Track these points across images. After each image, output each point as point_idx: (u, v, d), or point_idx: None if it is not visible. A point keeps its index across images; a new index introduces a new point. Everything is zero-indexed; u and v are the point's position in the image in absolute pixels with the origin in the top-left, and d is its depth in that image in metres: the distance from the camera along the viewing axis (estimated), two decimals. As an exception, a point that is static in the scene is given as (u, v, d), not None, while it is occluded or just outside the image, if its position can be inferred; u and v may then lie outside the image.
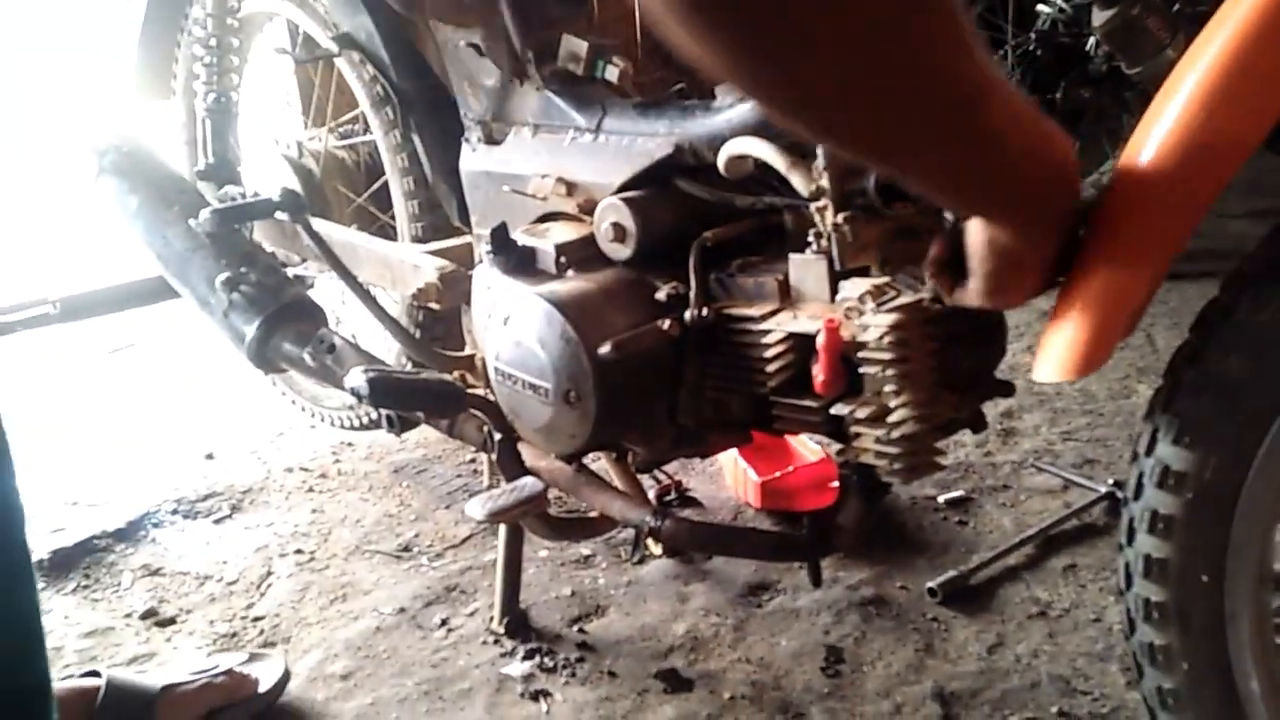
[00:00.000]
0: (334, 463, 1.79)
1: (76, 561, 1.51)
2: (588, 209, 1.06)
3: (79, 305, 1.60)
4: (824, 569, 1.37)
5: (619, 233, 0.99)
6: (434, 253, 1.32)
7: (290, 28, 1.59)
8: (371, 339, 1.52)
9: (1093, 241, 0.64)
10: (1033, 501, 1.54)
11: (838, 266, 0.87)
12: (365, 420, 1.63)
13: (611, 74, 1.13)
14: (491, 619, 1.31)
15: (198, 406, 2.04)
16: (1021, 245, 0.64)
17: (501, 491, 1.03)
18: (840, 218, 0.84)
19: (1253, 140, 0.59)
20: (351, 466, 1.77)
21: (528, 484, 1.03)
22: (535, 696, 1.19)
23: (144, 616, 1.38)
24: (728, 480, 1.61)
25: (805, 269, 0.90)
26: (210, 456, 1.83)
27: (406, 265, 1.31)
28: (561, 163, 1.11)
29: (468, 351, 1.29)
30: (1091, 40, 2.25)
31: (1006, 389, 0.92)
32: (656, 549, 1.44)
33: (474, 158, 1.22)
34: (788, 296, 0.92)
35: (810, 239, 0.89)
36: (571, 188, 1.09)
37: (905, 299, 0.83)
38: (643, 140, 1.05)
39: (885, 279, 0.85)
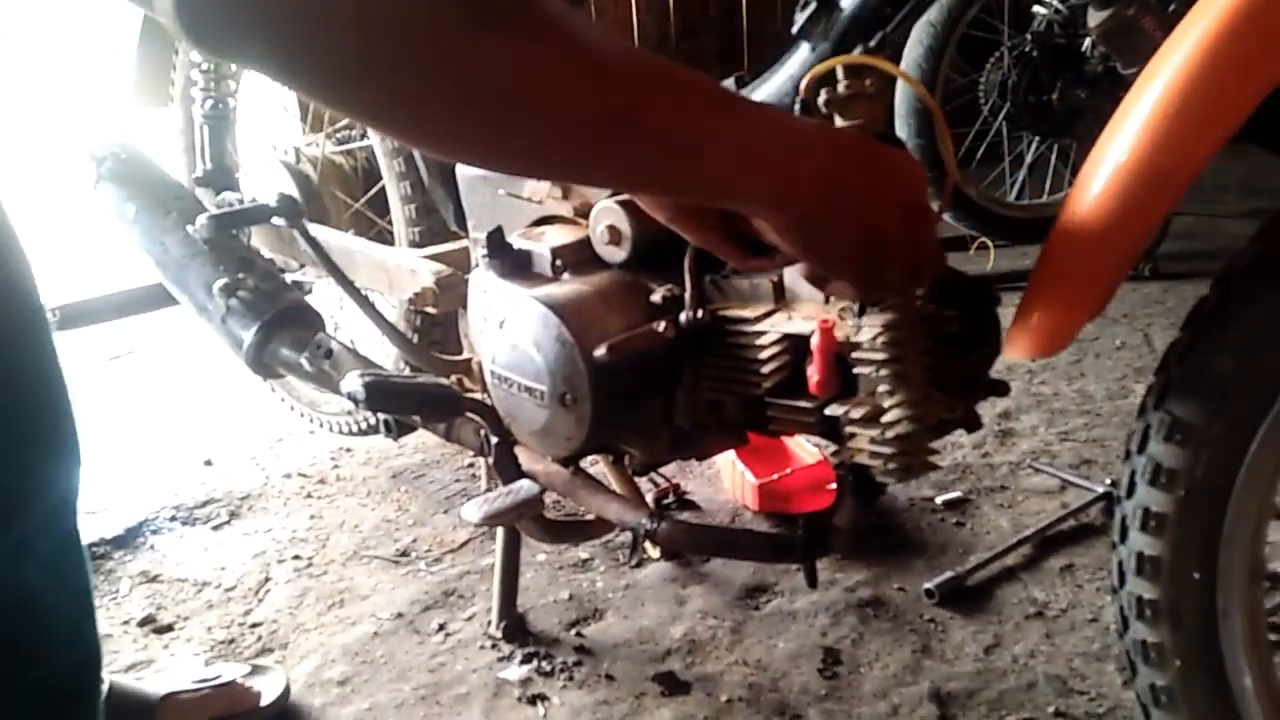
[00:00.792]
0: (332, 468, 1.79)
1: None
2: (583, 212, 1.06)
3: (78, 313, 1.61)
4: (821, 571, 1.38)
5: (614, 235, 0.99)
6: (431, 257, 1.32)
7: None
8: (370, 344, 1.53)
9: (1060, 228, 0.65)
10: (1030, 502, 1.54)
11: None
12: (363, 425, 1.63)
13: (605, 77, 1.13)
14: (489, 623, 1.31)
15: (196, 413, 2.04)
16: (798, 227, 0.65)
17: (497, 495, 1.03)
18: None
19: (1215, 141, 0.61)
20: (350, 472, 1.77)
21: (523, 487, 1.03)
22: (533, 700, 1.19)
23: (142, 623, 1.38)
24: (726, 483, 1.61)
25: (800, 269, 0.90)
26: (209, 463, 1.83)
27: (403, 270, 1.31)
28: (557, 166, 1.11)
29: (465, 356, 1.29)
30: (1087, 41, 2.26)
31: (1001, 389, 0.92)
32: (654, 552, 1.44)
33: (470, 162, 1.23)
34: (782, 298, 0.92)
35: None
36: (567, 191, 1.09)
37: (898, 299, 0.83)
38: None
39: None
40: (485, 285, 1.07)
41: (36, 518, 0.69)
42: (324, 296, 1.63)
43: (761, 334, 0.91)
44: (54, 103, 2.63)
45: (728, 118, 0.61)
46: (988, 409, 1.81)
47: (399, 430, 1.26)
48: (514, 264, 1.06)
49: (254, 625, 1.37)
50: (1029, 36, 2.37)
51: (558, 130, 0.55)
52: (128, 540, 1.59)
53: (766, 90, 0.97)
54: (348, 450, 1.84)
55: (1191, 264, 2.57)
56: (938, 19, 2.42)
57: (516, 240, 1.07)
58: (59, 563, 0.72)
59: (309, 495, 1.71)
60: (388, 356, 1.51)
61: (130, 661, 1.31)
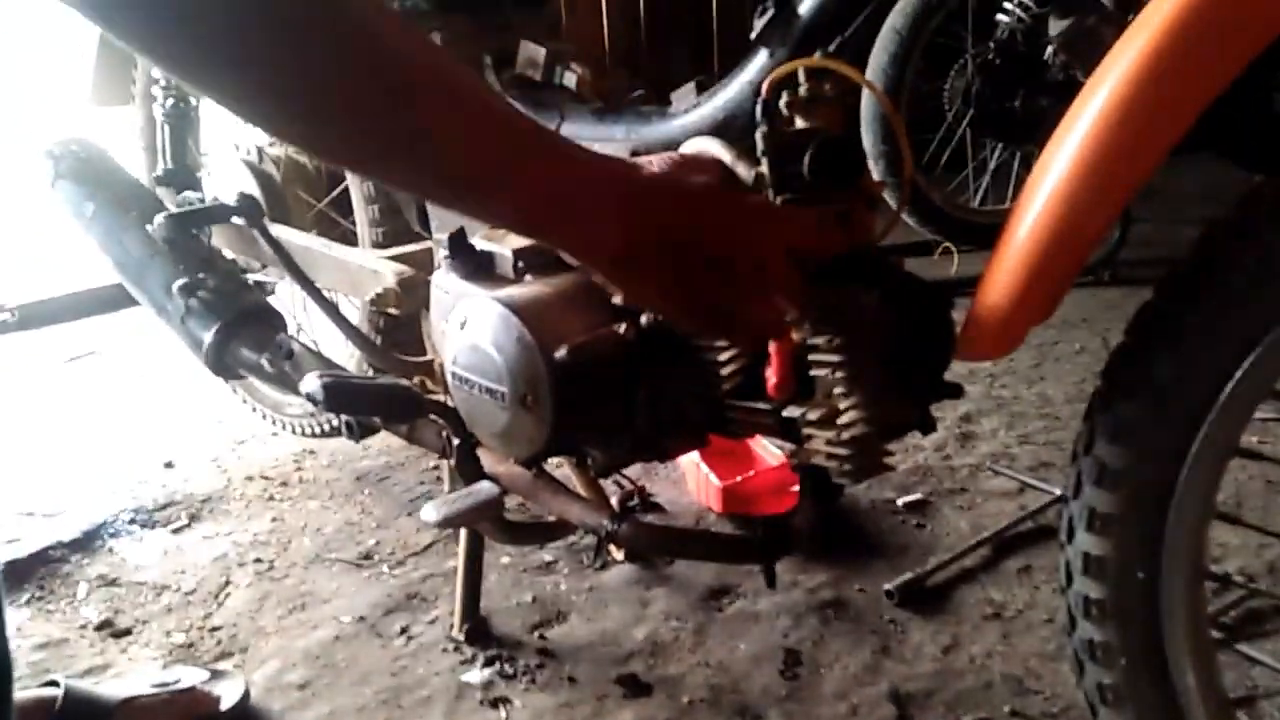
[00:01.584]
0: (295, 470, 1.78)
1: (31, 572, 1.49)
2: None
3: (37, 313, 1.59)
4: (784, 573, 1.39)
5: (575, 238, 1.00)
6: (394, 258, 1.32)
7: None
8: (334, 346, 1.52)
9: (1009, 232, 0.66)
10: (989, 504, 1.56)
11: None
12: (326, 427, 1.62)
13: (569, 80, 1.14)
14: (451, 626, 1.31)
15: (157, 415, 2.02)
16: (611, 274, 0.68)
17: (456, 496, 1.03)
18: (778, 200, 0.85)
19: (1161, 146, 0.62)
20: (313, 474, 1.76)
21: (483, 489, 1.03)
22: (495, 704, 1.19)
23: (99, 628, 1.36)
24: (690, 485, 1.61)
25: None
26: (170, 465, 1.81)
27: (366, 270, 1.31)
28: (519, 168, 1.11)
29: (427, 357, 1.28)
30: (1049, 49, 2.29)
31: (956, 391, 0.94)
32: (619, 554, 1.44)
33: (433, 163, 1.22)
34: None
35: None
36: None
37: (853, 304, 0.84)
38: (600, 145, 1.06)
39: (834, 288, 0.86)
40: (447, 286, 1.07)
41: None
42: (286, 297, 1.62)
43: (720, 337, 0.92)
44: (9, 101, 2.60)
45: (524, 155, 0.62)
46: (949, 412, 1.83)
47: (361, 432, 1.25)
48: (476, 265, 1.06)
49: (214, 629, 1.36)
50: (992, 45, 2.40)
51: (344, 119, 0.56)
52: (86, 543, 1.57)
53: (725, 95, 0.98)
54: (311, 453, 1.83)
55: (1151, 270, 2.61)
56: (903, 26, 2.44)
57: (479, 241, 1.07)
58: None
59: (271, 498, 1.69)
60: (351, 358, 1.50)
61: (87, 666, 1.29)
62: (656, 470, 1.66)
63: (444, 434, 1.14)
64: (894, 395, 0.85)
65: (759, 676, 1.21)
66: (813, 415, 0.85)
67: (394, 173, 0.62)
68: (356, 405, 1.06)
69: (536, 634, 1.31)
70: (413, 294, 1.24)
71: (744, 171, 0.87)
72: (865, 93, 2.22)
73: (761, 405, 0.90)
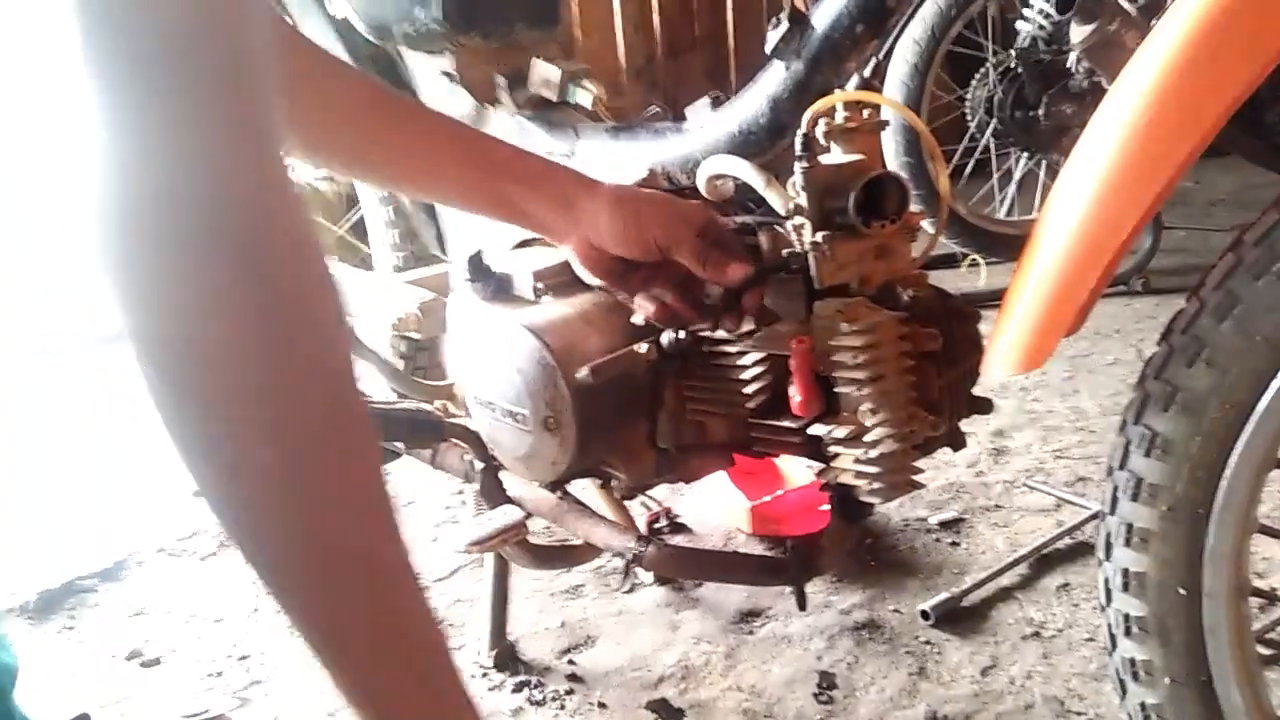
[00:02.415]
0: (322, 497, 1.77)
1: (61, 601, 1.50)
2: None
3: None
4: (816, 594, 1.37)
5: (595, 258, 0.99)
6: (412, 282, 1.32)
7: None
8: (364, 373, 1.52)
9: (1034, 244, 0.64)
10: (1025, 521, 1.53)
11: (815, 285, 0.87)
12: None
13: (584, 98, 1.13)
14: (480, 652, 1.29)
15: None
16: None
17: (480, 521, 1.02)
18: (819, 236, 0.84)
19: (1187, 152, 0.60)
20: (340, 501, 1.76)
21: (507, 512, 1.02)
22: (523, 730, 1.17)
23: (129, 657, 1.36)
24: (718, 506, 1.60)
25: (781, 289, 0.90)
26: (197, 494, 1.81)
27: (385, 295, 1.31)
28: (537, 189, 1.11)
29: (449, 380, 1.28)
30: (1072, 56, 2.27)
31: (985, 406, 0.92)
32: (647, 577, 1.43)
33: (451, 186, 1.22)
34: (764, 317, 0.91)
35: (785, 257, 0.89)
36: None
37: (879, 317, 0.82)
38: (616, 164, 1.05)
39: (859, 298, 0.85)
40: (466, 309, 1.07)
41: None
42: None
43: (743, 354, 0.90)
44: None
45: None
46: (981, 426, 1.80)
47: (385, 458, 1.25)
48: (495, 287, 1.05)
49: (242, 657, 1.35)
50: (1014, 53, 2.38)
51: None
52: (115, 573, 1.57)
53: (741, 111, 0.97)
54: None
55: (1184, 278, 2.57)
56: (922, 37, 2.43)
57: (497, 263, 1.06)
58: None
59: (298, 525, 1.69)
60: (373, 384, 1.50)
61: (117, 696, 1.29)
62: (683, 491, 1.64)
63: (467, 458, 1.13)
64: (923, 411, 0.84)
65: (793, 700, 1.19)
66: (840, 433, 0.83)
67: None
68: (380, 431, 1.06)
69: (565, 659, 1.29)
70: (432, 317, 1.23)
71: (776, 200, 0.86)
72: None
73: (787, 423, 0.89)
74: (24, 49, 0.50)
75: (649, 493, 1.54)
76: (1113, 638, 0.72)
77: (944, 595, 1.31)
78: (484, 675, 1.26)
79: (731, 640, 1.30)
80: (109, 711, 1.25)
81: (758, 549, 1.51)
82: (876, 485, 0.83)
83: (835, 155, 0.83)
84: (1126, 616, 0.70)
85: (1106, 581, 0.71)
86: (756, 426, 0.92)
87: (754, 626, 1.33)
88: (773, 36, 0.91)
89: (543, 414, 0.96)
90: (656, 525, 1.56)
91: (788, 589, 1.01)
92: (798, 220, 0.85)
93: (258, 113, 0.47)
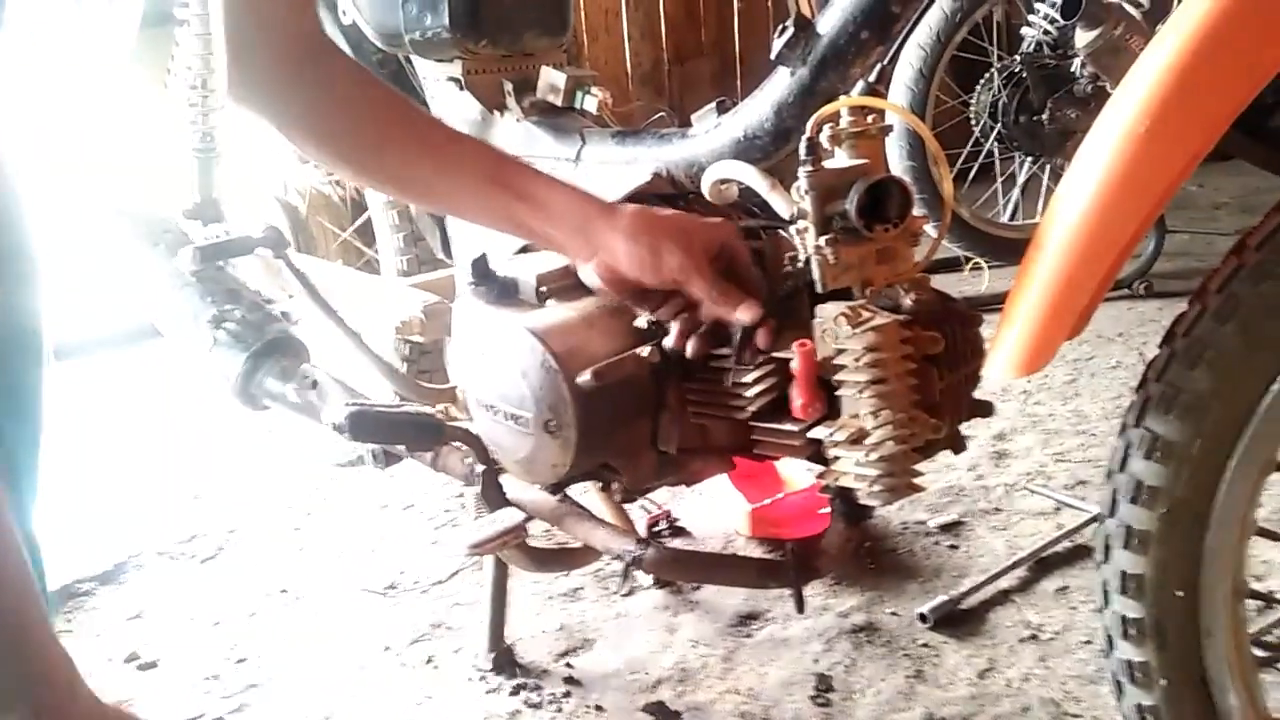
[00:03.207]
0: (320, 500, 1.78)
1: (58, 605, 1.49)
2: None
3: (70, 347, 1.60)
4: (814, 597, 1.37)
5: (598, 261, 0.99)
6: (417, 286, 1.32)
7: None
8: (360, 375, 1.52)
9: (1036, 246, 0.65)
10: (1025, 524, 1.53)
11: (818, 289, 0.87)
12: (351, 458, 1.62)
13: (590, 104, 1.14)
14: (477, 655, 1.30)
15: (183, 447, 2.03)
16: None
17: (481, 523, 1.02)
18: (822, 240, 0.84)
19: (1190, 155, 0.61)
20: (337, 504, 1.76)
21: (507, 515, 1.02)
22: (523, 732, 1.17)
23: (127, 660, 1.36)
24: (718, 509, 1.60)
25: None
26: (196, 497, 1.82)
27: (390, 298, 1.31)
28: (541, 193, 1.11)
29: (451, 384, 1.28)
30: (1077, 61, 2.27)
31: (986, 409, 0.92)
32: (645, 580, 1.43)
33: (455, 190, 1.23)
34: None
35: (788, 262, 0.89)
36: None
37: (881, 320, 0.82)
38: (622, 168, 1.05)
39: (861, 301, 0.85)
40: (470, 312, 1.07)
41: None
42: (312, 327, 1.63)
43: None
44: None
45: None
46: (982, 430, 1.81)
47: (386, 461, 1.25)
48: (499, 291, 1.05)
49: (240, 660, 1.35)
50: (1018, 58, 2.39)
51: None
52: (113, 576, 1.58)
53: (746, 116, 0.97)
54: (335, 482, 1.83)
55: (1187, 282, 2.57)
56: (926, 42, 2.44)
57: (501, 267, 1.07)
58: None
59: (296, 528, 1.69)
60: (377, 387, 1.50)
61: (113, 699, 1.29)
62: (683, 494, 1.64)
63: (468, 461, 1.13)
64: (924, 414, 0.84)
65: (790, 703, 1.19)
66: (840, 435, 0.84)
67: None
68: (380, 433, 1.06)
69: (563, 662, 1.29)
70: (436, 321, 1.24)
71: (780, 204, 0.86)
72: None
73: (788, 426, 0.89)
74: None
75: (649, 496, 1.54)
76: (1110, 640, 0.73)
77: (942, 598, 1.31)
78: (482, 678, 1.27)
79: (729, 643, 1.30)
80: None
81: (757, 552, 1.51)
82: (877, 488, 0.83)
83: (839, 160, 0.84)
84: (1124, 618, 0.70)
85: (1105, 584, 0.71)
86: (757, 429, 0.92)
87: (752, 629, 1.33)
88: (778, 43, 0.92)
89: (544, 417, 0.96)
90: (656, 528, 1.56)
91: (786, 592, 1.01)
92: (801, 224, 0.85)
93: None
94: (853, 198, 0.82)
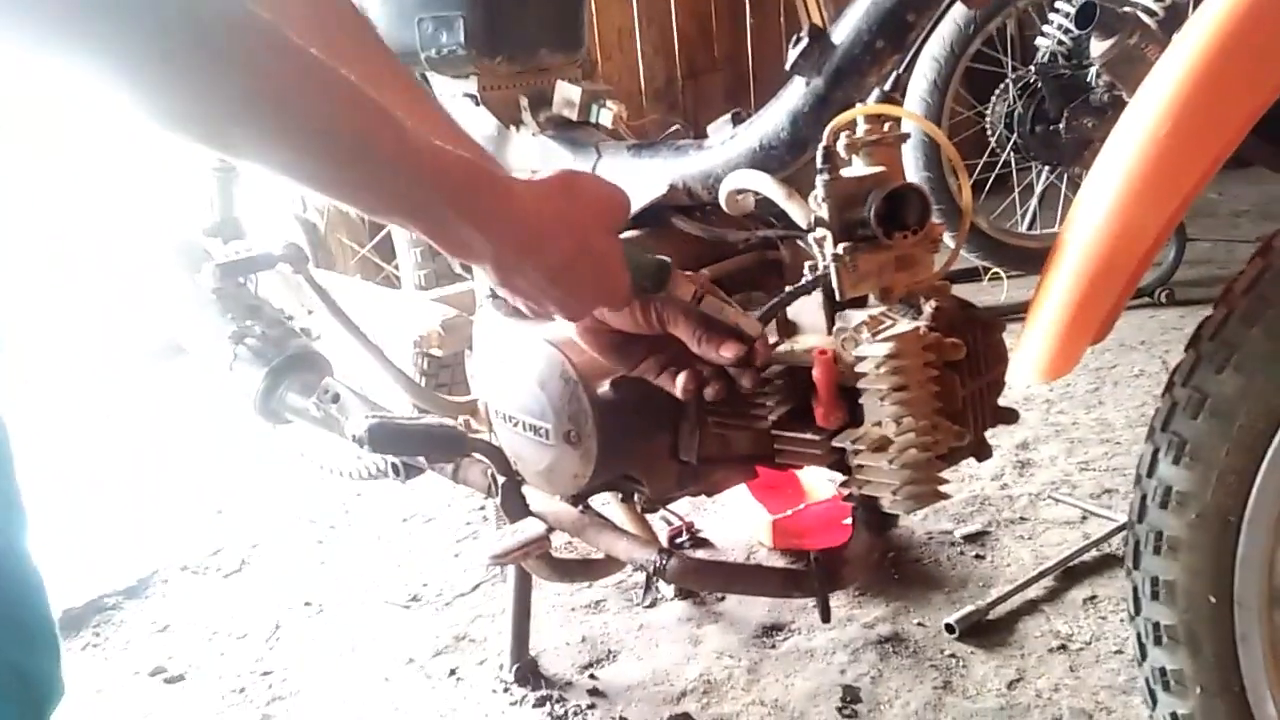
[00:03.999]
0: (343, 514, 1.78)
1: (86, 619, 1.51)
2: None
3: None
4: (839, 607, 1.36)
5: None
6: (436, 299, 1.32)
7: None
8: (381, 389, 1.52)
9: (1058, 252, 0.65)
10: (1051, 533, 1.51)
11: (837, 297, 0.87)
12: (373, 471, 1.63)
13: (605, 118, 1.14)
14: (501, 667, 1.29)
15: (207, 462, 2.04)
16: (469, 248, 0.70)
17: (504, 534, 1.02)
18: (840, 248, 0.84)
19: (1210, 159, 0.60)
20: (360, 517, 1.77)
21: (529, 526, 1.02)
22: (546, 745, 1.17)
23: (152, 674, 1.37)
24: (740, 520, 1.59)
25: (803, 301, 0.90)
26: (220, 512, 1.83)
27: (409, 312, 1.32)
28: (559, 206, 1.11)
29: (472, 396, 1.28)
30: (1092, 70, 2.26)
31: (1010, 416, 0.91)
32: (668, 592, 1.42)
33: (473, 204, 1.23)
34: (786, 330, 0.91)
35: (807, 271, 0.89)
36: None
37: (902, 327, 0.82)
38: (638, 181, 1.05)
39: (882, 308, 0.85)
40: (490, 325, 1.07)
41: None
42: (332, 342, 1.64)
43: (766, 366, 0.90)
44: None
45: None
46: (1006, 439, 1.79)
47: (408, 474, 1.25)
48: (517, 303, 1.06)
49: (265, 673, 1.36)
50: (1033, 68, 2.38)
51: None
52: (139, 590, 1.58)
53: (762, 126, 0.97)
54: (358, 495, 1.83)
55: (1208, 289, 2.55)
56: (940, 54, 2.43)
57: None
58: None
59: (319, 541, 1.70)
60: (398, 400, 1.50)
61: (141, 713, 1.30)
62: (705, 506, 1.64)
63: (489, 473, 1.13)
64: (947, 421, 0.83)
65: (816, 715, 1.18)
66: (863, 443, 0.83)
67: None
68: (402, 445, 1.06)
69: (587, 674, 1.29)
70: (455, 334, 1.24)
71: (797, 213, 0.86)
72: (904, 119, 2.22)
73: (810, 435, 0.89)
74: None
75: (670, 508, 1.54)
76: (1142, 647, 0.72)
77: (969, 608, 1.30)
78: (505, 690, 1.26)
79: (754, 654, 1.30)
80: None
81: (780, 563, 1.50)
82: (901, 496, 0.83)
83: (856, 168, 0.84)
84: (1156, 625, 0.69)
85: (1135, 590, 0.71)
86: (779, 438, 0.92)
87: (776, 640, 1.32)
88: (793, 52, 0.91)
89: (564, 428, 0.96)
90: (678, 540, 1.56)
91: (810, 602, 1.01)
92: (819, 233, 0.85)
93: None
94: (871, 205, 0.82)
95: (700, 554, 1.54)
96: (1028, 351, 0.67)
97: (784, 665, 1.27)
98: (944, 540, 1.52)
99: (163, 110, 0.58)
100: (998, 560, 1.46)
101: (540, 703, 1.23)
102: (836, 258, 0.83)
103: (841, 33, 0.91)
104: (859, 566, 0.94)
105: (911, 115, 0.82)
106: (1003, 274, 2.57)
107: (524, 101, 1.20)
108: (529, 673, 1.28)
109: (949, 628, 1.28)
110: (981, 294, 2.52)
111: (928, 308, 0.82)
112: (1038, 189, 2.67)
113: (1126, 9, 1.95)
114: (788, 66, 0.93)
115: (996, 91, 2.47)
